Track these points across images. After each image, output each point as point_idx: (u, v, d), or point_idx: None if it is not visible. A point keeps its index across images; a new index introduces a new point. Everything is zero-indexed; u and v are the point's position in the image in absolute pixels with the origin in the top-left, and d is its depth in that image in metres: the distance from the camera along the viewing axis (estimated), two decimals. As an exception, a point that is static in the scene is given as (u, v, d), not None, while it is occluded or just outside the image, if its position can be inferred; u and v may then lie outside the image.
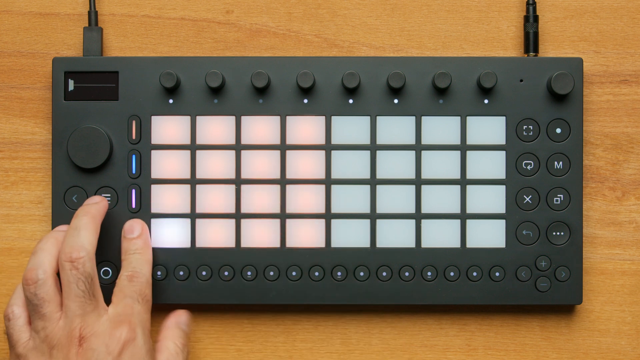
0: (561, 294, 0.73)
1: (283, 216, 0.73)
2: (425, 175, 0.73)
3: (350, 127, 0.73)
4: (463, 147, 0.73)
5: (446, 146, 0.73)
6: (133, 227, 0.72)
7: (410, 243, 0.73)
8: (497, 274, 0.73)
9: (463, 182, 0.73)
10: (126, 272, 0.70)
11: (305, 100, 0.73)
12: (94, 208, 0.71)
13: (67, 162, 0.73)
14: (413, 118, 0.73)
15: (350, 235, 0.73)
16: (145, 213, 0.73)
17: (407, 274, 0.73)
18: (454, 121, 0.73)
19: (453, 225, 0.73)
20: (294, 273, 0.73)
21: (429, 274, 0.73)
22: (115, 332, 0.67)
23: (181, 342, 0.71)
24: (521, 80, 0.73)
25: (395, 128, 0.73)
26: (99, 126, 0.73)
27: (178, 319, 0.72)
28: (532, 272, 0.73)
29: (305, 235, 0.73)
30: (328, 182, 0.73)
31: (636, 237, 0.75)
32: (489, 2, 0.75)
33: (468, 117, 0.73)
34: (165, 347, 0.71)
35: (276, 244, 0.73)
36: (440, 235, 0.73)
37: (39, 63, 0.75)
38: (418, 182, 0.73)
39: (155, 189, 0.73)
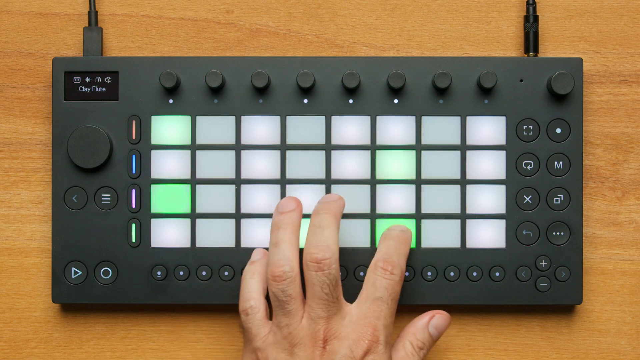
0: (561, 294, 0.73)
1: (283, 216, 0.73)
2: (425, 175, 0.73)
3: (351, 127, 0.73)
4: (463, 147, 0.73)
5: (446, 146, 0.73)
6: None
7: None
8: (497, 274, 0.73)
9: (463, 182, 0.73)
10: (381, 264, 0.68)
11: (305, 100, 0.73)
12: (334, 205, 0.69)
13: (67, 162, 0.73)
14: (413, 118, 0.73)
15: (351, 235, 0.73)
16: (145, 213, 0.73)
17: (407, 274, 0.73)
18: (454, 121, 0.73)
19: (453, 225, 0.73)
20: (294, 273, 0.73)
21: (429, 274, 0.73)
22: (358, 337, 0.66)
23: (420, 344, 0.69)
24: (521, 80, 0.73)
25: (395, 128, 0.73)
26: (99, 126, 0.73)
27: (432, 320, 0.70)
28: (532, 272, 0.73)
29: (306, 235, 0.73)
30: (328, 182, 0.73)
31: (636, 237, 0.75)
32: (489, 2, 0.75)
33: (468, 117, 0.73)
34: (402, 346, 0.69)
35: (276, 244, 0.73)
36: (440, 235, 0.73)
37: (39, 63, 0.75)
38: (418, 182, 0.73)
39: (155, 188, 0.73)
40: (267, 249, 0.73)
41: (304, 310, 0.67)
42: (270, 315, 0.70)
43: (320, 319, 0.67)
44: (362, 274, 0.73)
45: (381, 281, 0.68)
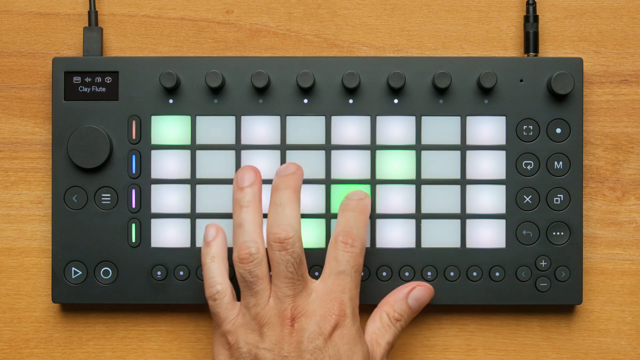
0: (561, 294, 0.73)
1: (283, 216, 0.73)
2: (425, 175, 0.73)
3: (351, 127, 0.73)
4: (463, 147, 0.73)
5: (446, 146, 0.73)
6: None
7: (410, 243, 0.73)
8: (497, 274, 0.73)
9: (463, 182, 0.73)
10: (341, 237, 0.69)
11: (305, 100, 0.73)
12: (292, 179, 0.69)
13: (67, 162, 0.73)
14: (413, 118, 0.73)
15: (350, 235, 0.73)
16: (145, 213, 0.73)
17: (407, 274, 0.73)
18: (454, 121, 0.73)
19: (453, 225, 0.73)
20: (294, 273, 0.73)
21: (429, 274, 0.73)
22: (326, 312, 0.67)
23: (397, 315, 0.70)
24: (521, 80, 0.73)
25: (395, 128, 0.73)
26: (99, 126, 0.73)
27: (413, 292, 0.71)
28: (532, 272, 0.73)
29: (305, 235, 0.73)
30: (328, 182, 0.73)
31: (636, 237, 0.75)
32: (489, 2, 0.75)
33: (468, 117, 0.73)
34: (378, 317, 0.70)
35: (276, 244, 0.73)
36: (440, 235, 0.73)
37: (39, 63, 0.75)
38: (418, 182, 0.73)
39: (155, 189, 0.73)
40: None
41: (270, 289, 0.68)
42: (238, 296, 0.70)
43: (287, 298, 0.67)
44: (362, 274, 0.73)
45: (343, 255, 0.68)
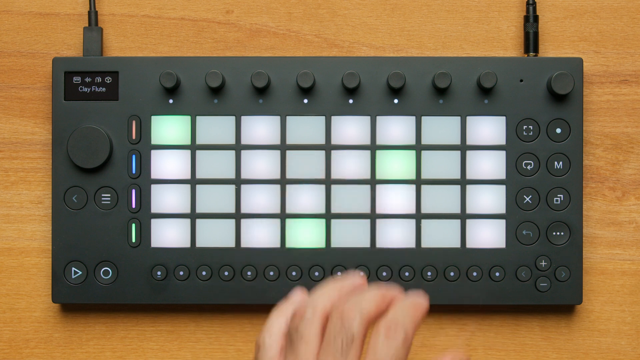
0: (561, 294, 0.73)
1: (283, 216, 0.73)
2: (425, 175, 0.73)
3: (351, 127, 0.73)
4: (463, 147, 0.73)
5: (446, 146, 0.73)
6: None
7: (410, 243, 0.73)
8: (497, 274, 0.73)
9: (463, 182, 0.73)
10: (383, 324, 0.60)
11: (305, 100, 0.73)
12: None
13: (67, 162, 0.73)
14: (413, 118, 0.73)
15: (350, 235, 0.73)
16: (145, 213, 0.73)
17: (407, 274, 0.73)
18: (454, 121, 0.73)
19: (453, 225, 0.73)
20: (293, 273, 0.73)
21: (429, 274, 0.73)
22: None
23: None
24: (521, 80, 0.73)
25: (395, 128, 0.73)
26: (99, 126, 0.73)
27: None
28: (532, 272, 0.73)
29: (305, 235, 0.73)
30: (328, 182, 0.73)
31: (636, 237, 0.75)
32: (489, 2, 0.75)
33: (468, 117, 0.73)
34: None
35: (276, 244, 0.73)
36: (440, 235, 0.73)
37: (39, 63, 0.75)
38: (418, 182, 0.73)
39: (155, 189, 0.73)
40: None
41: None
42: None
43: None
44: (362, 274, 0.73)
45: (382, 347, 0.60)
